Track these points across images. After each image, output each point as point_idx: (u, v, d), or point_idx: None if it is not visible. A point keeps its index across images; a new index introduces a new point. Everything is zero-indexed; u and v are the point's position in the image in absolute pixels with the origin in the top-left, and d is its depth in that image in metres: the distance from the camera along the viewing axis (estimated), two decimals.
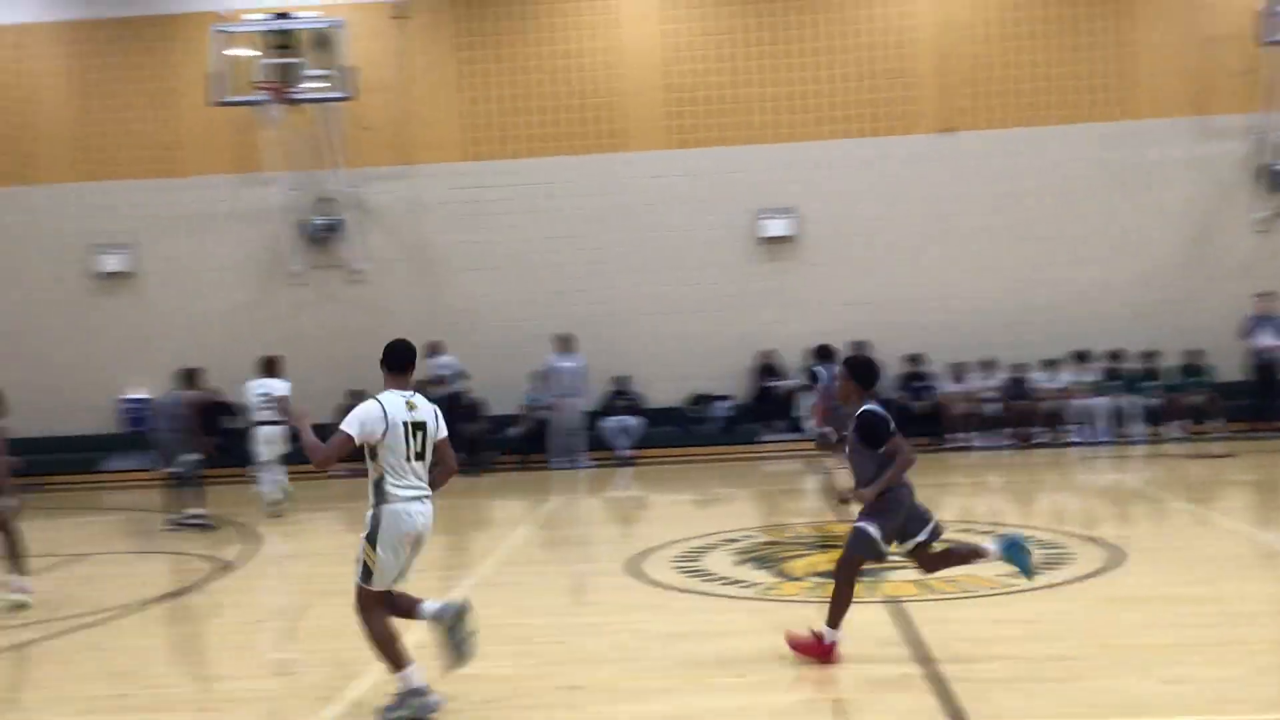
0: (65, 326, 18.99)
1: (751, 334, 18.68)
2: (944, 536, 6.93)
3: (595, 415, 17.97)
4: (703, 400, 18.70)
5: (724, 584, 9.00)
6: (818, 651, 6.75)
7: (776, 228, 18.77)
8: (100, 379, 18.56)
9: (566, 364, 17.56)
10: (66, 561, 11.63)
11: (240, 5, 18.50)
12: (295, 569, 11.24)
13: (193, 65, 18.66)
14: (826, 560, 9.74)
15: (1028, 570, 6.91)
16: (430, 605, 6.22)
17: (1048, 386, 17.90)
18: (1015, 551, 6.83)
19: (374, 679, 6.93)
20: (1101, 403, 17.55)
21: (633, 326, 18.79)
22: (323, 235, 18.78)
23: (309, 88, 17.83)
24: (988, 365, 18.12)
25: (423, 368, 18.03)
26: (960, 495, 14.07)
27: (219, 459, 17.72)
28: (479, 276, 18.95)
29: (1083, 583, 8.60)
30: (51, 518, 14.70)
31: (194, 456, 13.55)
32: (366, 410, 6.13)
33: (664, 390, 18.61)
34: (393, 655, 6.07)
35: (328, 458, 5.92)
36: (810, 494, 14.77)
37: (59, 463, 16.65)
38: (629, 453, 17.65)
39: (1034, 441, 17.48)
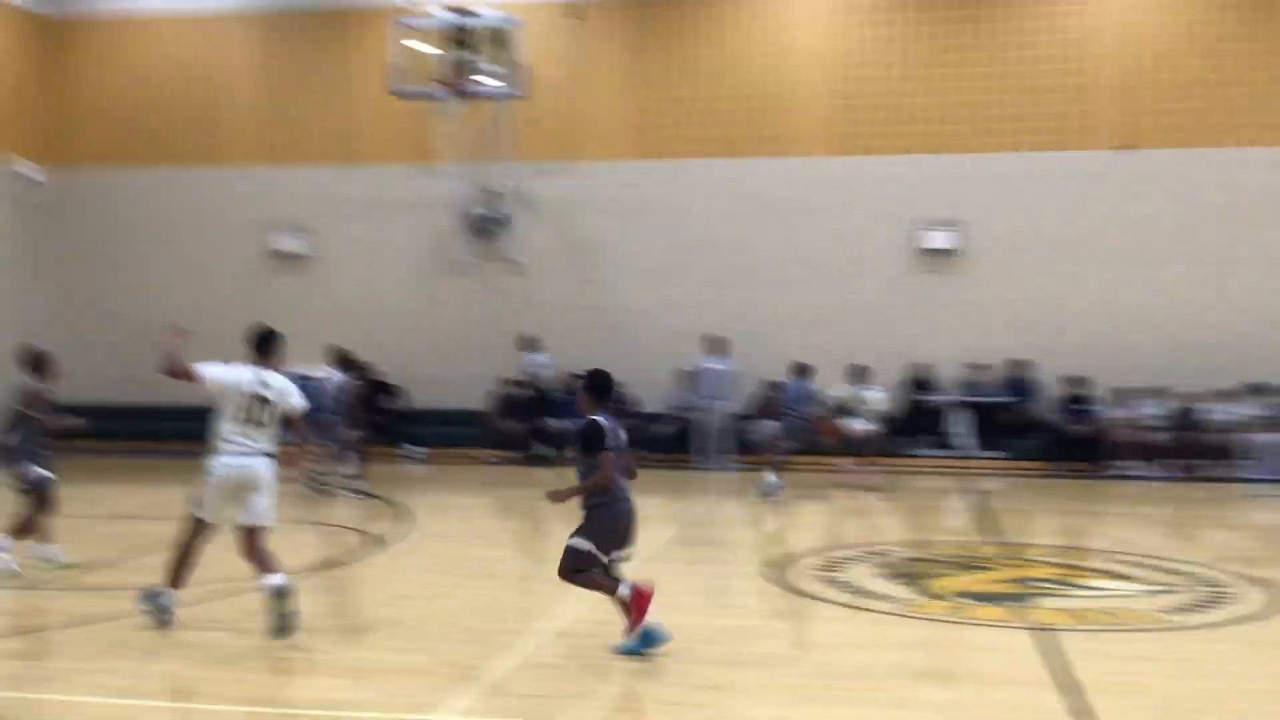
0: (242, 303, 19.89)
1: (904, 347, 18.41)
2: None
3: (745, 419, 17.95)
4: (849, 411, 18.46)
5: (865, 597, 8.92)
6: (642, 601, 7.13)
7: (938, 240, 18.44)
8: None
9: (716, 366, 17.60)
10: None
11: None
12: (442, 549, 11.56)
13: (373, 56, 19.35)
14: (973, 580, 9.56)
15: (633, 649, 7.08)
16: (272, 579, 7.44)
17: (1219, 418, 17.11)
18: (641, 645, 7.07)
19: (516, 660, 7.11)
20: (1275, 439, 16.70)
21: (783, 332, 18.71)
22: (487, 227, 19.24)
23: (482, 83, 18.29)
24: (1158, 393, 17.41)
25: (516, 361, 18.42)
26: (1116, 525, 13.59)
27: (376, 437, 18.46)
28: (634, 274, 19.15)
29: (1240, 625, 8.24)
30: None
31: (355, 434, 14.06)
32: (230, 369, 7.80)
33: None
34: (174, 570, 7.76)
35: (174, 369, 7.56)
36: (958, 512, 14.48)
37: None
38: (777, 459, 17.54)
39: (1200, 475, 16.74)
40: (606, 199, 19.21)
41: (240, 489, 7.57)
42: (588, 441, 7.14)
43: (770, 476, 14.55)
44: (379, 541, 11.34)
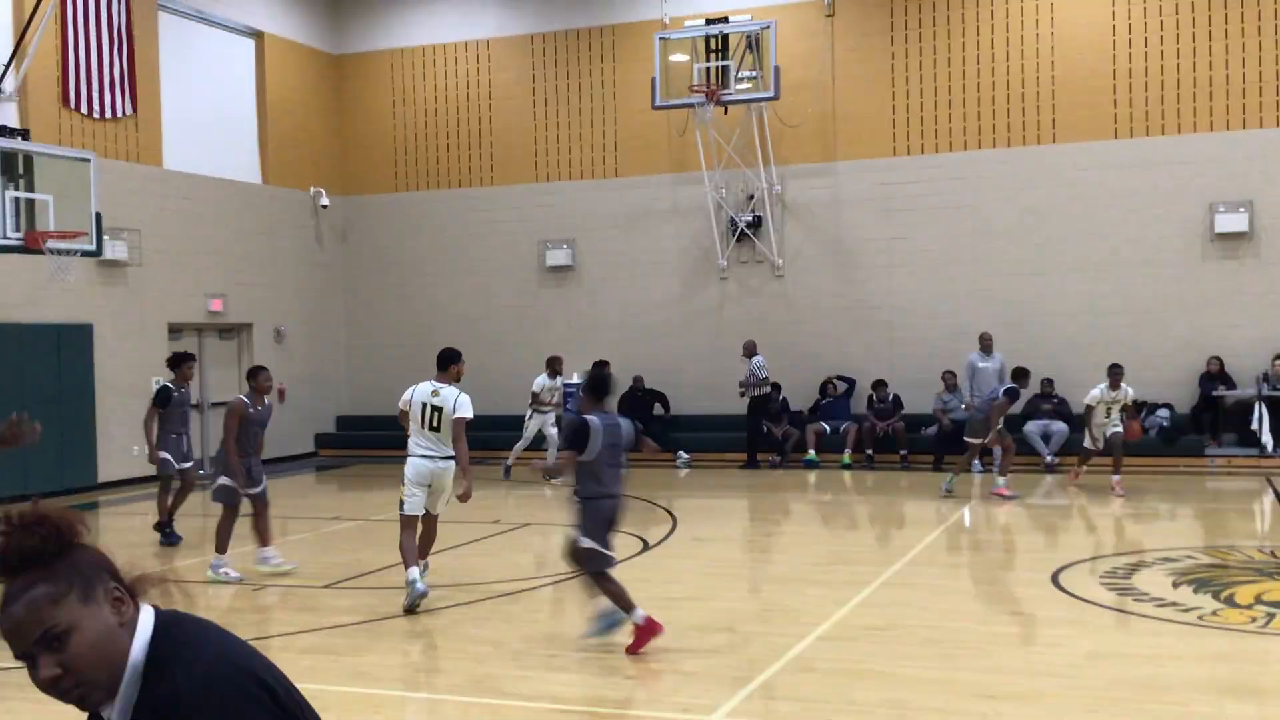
0: (516, 315, 20.80)
1: (1197, 338, 17.18)
2: None
3: (1017, 419, 17.23)
4: (1138, 408, 17.39)
5: (1157, 605, 8.36)
6: (646, 635, 7.27)
7: (1230, 223, 17.09)
8: (541, 364, 20.12)
9: (987, 364, 16.98)
10: (508, 530, 12.77)
11: (679, 12, 19.41)
12: (705, 551, 11.66)
13: (633, 71, 19.81)
14: (1278, 588, 8.80)
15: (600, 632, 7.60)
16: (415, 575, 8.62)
17: None
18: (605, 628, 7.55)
19: (783, 664, 7.08)
20: None
21: (1060, 327, 17.84)
22: (747, 231, 19.31)
23: (739, 89, 18.39)
24: None
25: (773, 366, 18.23)
26: None
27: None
28: (897, 273, 18.74)
29: None
30: (496, 489, 16.18)
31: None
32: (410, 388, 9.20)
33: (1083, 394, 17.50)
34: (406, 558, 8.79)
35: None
36: (1262, 514, 13.38)
37: (508, 439, 18.22)
38: (1051, 458, 16.78)
39: None
40: (866, 197, 18.90)
41: (424, 484, 8.93)
42: (569, 439, 7.54)
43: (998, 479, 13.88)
44: (644, 544, 11.55)
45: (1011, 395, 14.52)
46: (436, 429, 8.86)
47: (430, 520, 9.15)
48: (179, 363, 12.02)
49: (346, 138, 21.95)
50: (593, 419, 7.48)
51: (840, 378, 18.61)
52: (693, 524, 12.92)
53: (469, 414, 8.83)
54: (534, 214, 20.66)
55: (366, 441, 20.41)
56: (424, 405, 8.88)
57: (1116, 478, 14.23)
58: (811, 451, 17.80)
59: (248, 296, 19.64)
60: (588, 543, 7.43)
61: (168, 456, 11.93)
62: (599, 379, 7.77)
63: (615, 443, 7.56)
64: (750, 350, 18.17)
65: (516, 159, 20.87)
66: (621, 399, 19.21)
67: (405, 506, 8.93)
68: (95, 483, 16.63)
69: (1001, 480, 14.24)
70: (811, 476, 17.09)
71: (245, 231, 19.64)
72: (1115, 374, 14.50)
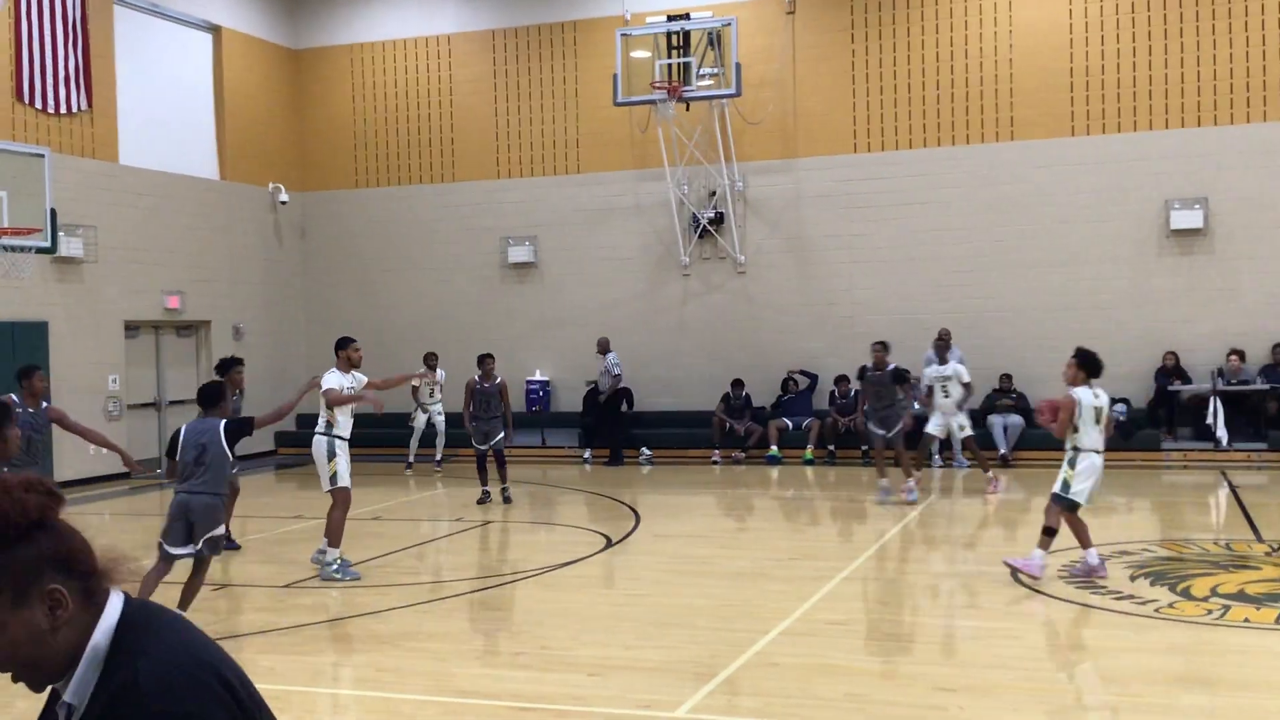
0: (478, 311, 20.72)
1: (1153, 333, 17.40)
2: None
3: (979, 414, 17.38)
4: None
5: (1115, 598, 8.47)
6: None
7: (1185, 219, 17.31)
8: (508, 362, 20.04)
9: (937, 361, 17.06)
10: (479, 527, 12.73)
11: (641, 8, 19.39)
12: (669, 548, 11.67)
13: (594, 68, 19.79)
14: (1235, 581, 8.93)
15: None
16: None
17: None
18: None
19: (747, 658, 7.10)
20: None
21: (1018, 323, 18.01)
22: (709, 228, 19.34)
23: (700, 85, 18.42)
24: None
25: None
26: None
27: (605, 441, 18.84)
28: (859, 269, 18.84)
29: None
30: (465, 487, 16.11)
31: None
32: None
33: (1048, 390, 17.64)
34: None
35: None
36: (1216, 508, 13.58)
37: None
38: (1007, 453, 16.95)
39: None
40: (827, 194, 18.98)
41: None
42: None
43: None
44: (608, 541, 11.55)
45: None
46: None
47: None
48: (228, 368, 11.36)
49: (305, 133, 21.77)
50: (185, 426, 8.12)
51: (803, 373, 18.69)
52: (656, 520, 12.93)
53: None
54: (495, 210, 20.59)
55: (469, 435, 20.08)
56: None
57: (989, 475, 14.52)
58: (774, 447, 17.87)
59: (206, 293, 19.44)
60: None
61: None
62: (207, 390, 8.32)
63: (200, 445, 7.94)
64: (604, 347, 18.44)
65: (478, 155, 20.79)
66: (586, 396, 19.21)
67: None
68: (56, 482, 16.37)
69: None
70: (774, 472, 17.15)
71: (203, 228, 19.43)
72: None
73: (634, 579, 10.29)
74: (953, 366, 14.72)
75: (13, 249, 12.28)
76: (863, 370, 14.21)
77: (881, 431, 13.78)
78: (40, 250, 12.83)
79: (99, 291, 17.39)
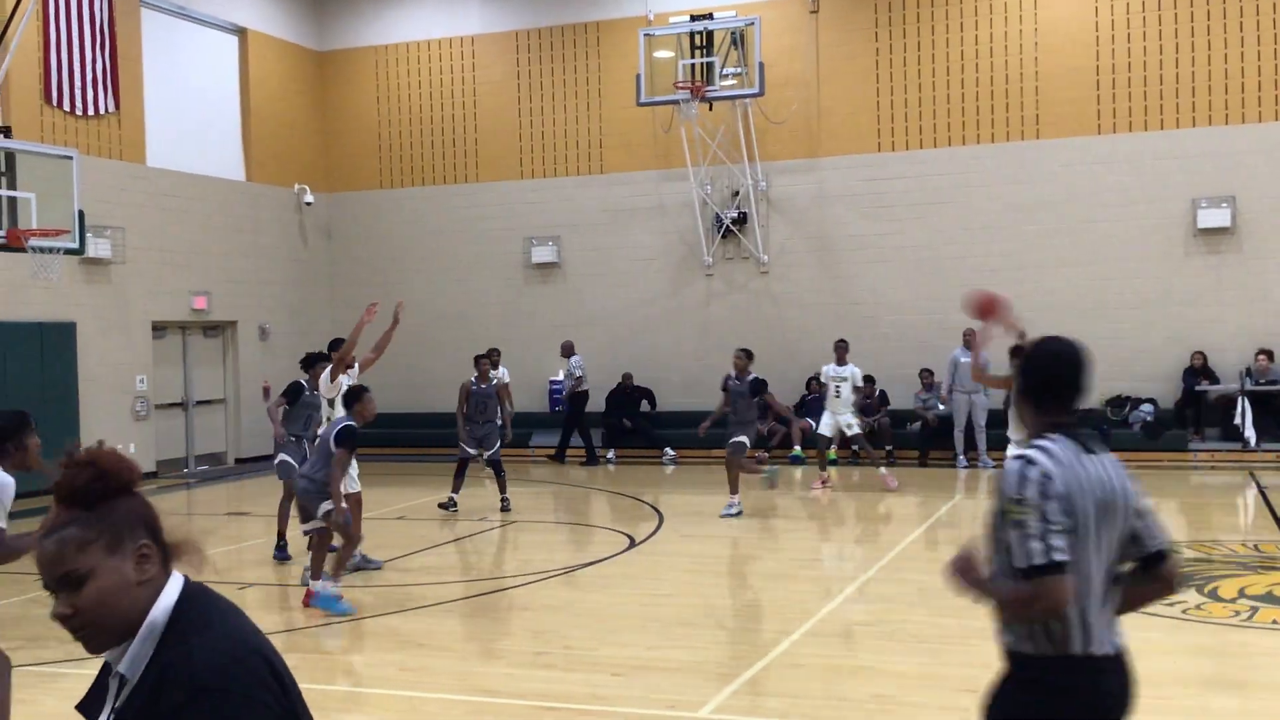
0: (501, 311, 20.77)
1: (1181, 333, 17.26)
2: None
3: (999, 412, 17.27)
4: (1122, 403, 17.49)
5: None
6: None
7: (1213, 218, 17.16)
8: (531, 362, 20.11)
9: (968, 359, 17.00)
10: (501, 527, 12.76)
11: (664, 8, 19.39)
12: (693, 548, 11.67)
13: (618, 68, 19.80)
14: (1263, 583, 8.86)
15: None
16: None
17: None
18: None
19: (771, 659, 7.09)
20: None
21: (1043, 323, 17.74)
22: (732, 228, 19.32)
23: (724, 85, 18.40)
24: None
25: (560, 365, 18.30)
26: None
27: (631, 438, 18.86)
28: (883, 269, 18.77)
29: None
30: (484, 486, 16.16)
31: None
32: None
33: None
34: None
35: None
36: (1244, 509, 13.46)
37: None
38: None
39: None
40: (851, 193, 18.93)
41: None
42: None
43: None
44: (631, 541, 11.55)
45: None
46: None
47: None
48: (312, 363, 11.17)
49: (330, 134, 21.87)
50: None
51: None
52: (679, 521, 12.93)
53: None
54: (519, 211, 20.63)
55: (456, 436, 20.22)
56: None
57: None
58: (797, 447, 17.82)
59: (232, 294, 19.56)
60: None
61: (288, 459, 10.79)
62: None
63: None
64: (568, 350, 18.59)
65: (501, 156, 20.84)
66: (610, 395, 19.23)
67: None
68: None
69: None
70: (797, 472, 17.12)
71: (229, 229, 19.56)
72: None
73: (657, 579, 10.29)
74: (850, 369, 15.33)
75: (42, 250, 12.39)
76: (725, 379, 13.74)
77: (743, 439, 13.25)
78: (69, 251, 12.95)
79: (127, 292, 17.53)
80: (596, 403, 19.69)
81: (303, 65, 21.49)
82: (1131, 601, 3.16)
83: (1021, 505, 2.96)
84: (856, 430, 15.42)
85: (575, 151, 20.42)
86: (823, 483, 15.15)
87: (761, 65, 18.13)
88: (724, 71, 18.46)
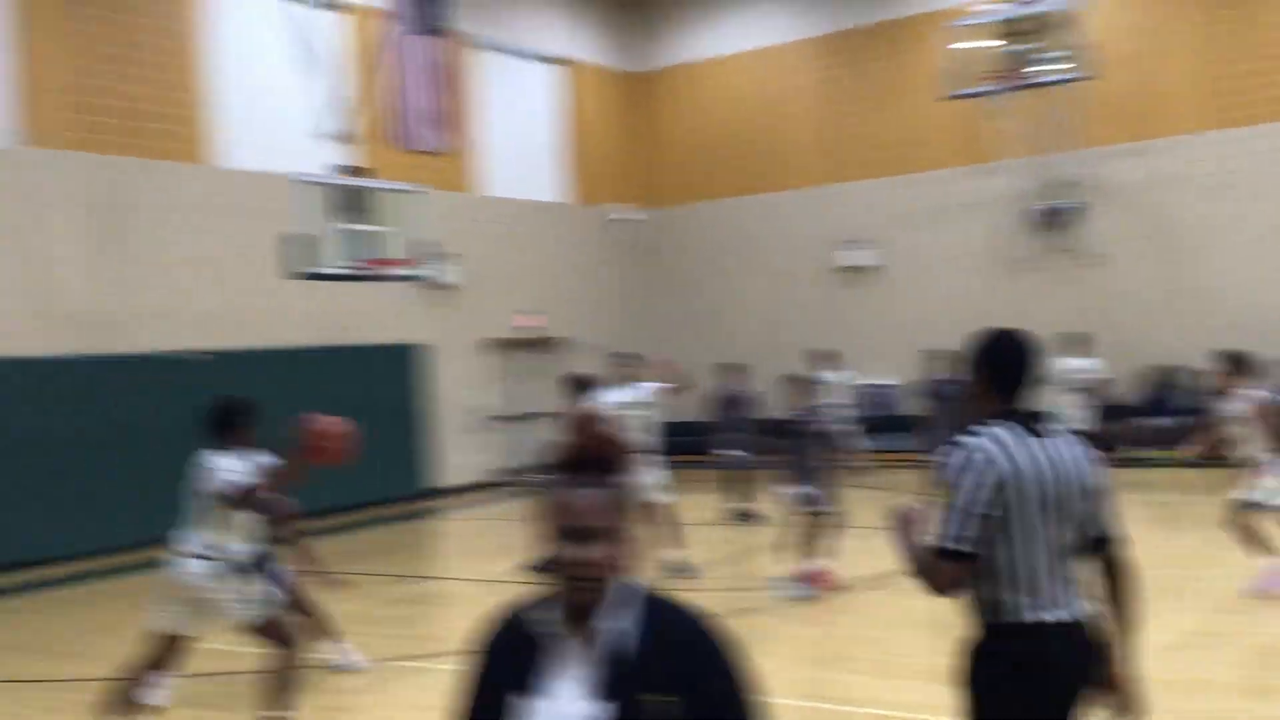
0: (811, 318, 20.83)
1: None
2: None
3: None
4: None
5: None
6: None
7: None
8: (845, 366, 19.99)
9: None
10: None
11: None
12: None
13: (926, 63, 19.41)
14: None
15: None
16: None
17: None
18: None
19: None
20: None
21: None
22: (1055, 219, 18.50)
23: (1042, 71, 17.68)
24: None
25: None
26: None
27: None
28: (1226, 254, 17.40)
29: None
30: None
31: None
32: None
33: None
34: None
35: None
36: None
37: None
38: None
39: None
40: (1188, 175, 17.68)
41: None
42: None
43: None
44: None
45: None
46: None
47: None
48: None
49: (648, 153, 22.70)
50: None
51: (1176, 369, 17.49)
52: None
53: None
54: (830, 215, 20.64)
55: (681, 447, 20.90)
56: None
57: None
58: (1143, 450, 16.82)
59: (563, 312, 20.69)
60: None
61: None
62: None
63: None
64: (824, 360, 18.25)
65: (811, 161, 20.92)
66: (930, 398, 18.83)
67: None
68: (432, 490, 18.00)
69: None
70: (1141, 475, 16.16)
71: (558, 250, 20.71)
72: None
73: None
74: (1093, 362, 14.80)
75: (398, 279, 13.58)
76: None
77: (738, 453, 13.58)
78: (417, 279, 14.11)
79: (469, 314, 18.94)
80: (910, 406, 19.36)
81: (621, 88, 22.45)
82: (1116, 604, 3.34)
83: (955, 489, 3.22)
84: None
85: (885, 152, 20.20)
86: None
87: (1082, 47, 17.28)
88: (1040, 57, 17.73)
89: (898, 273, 20.06)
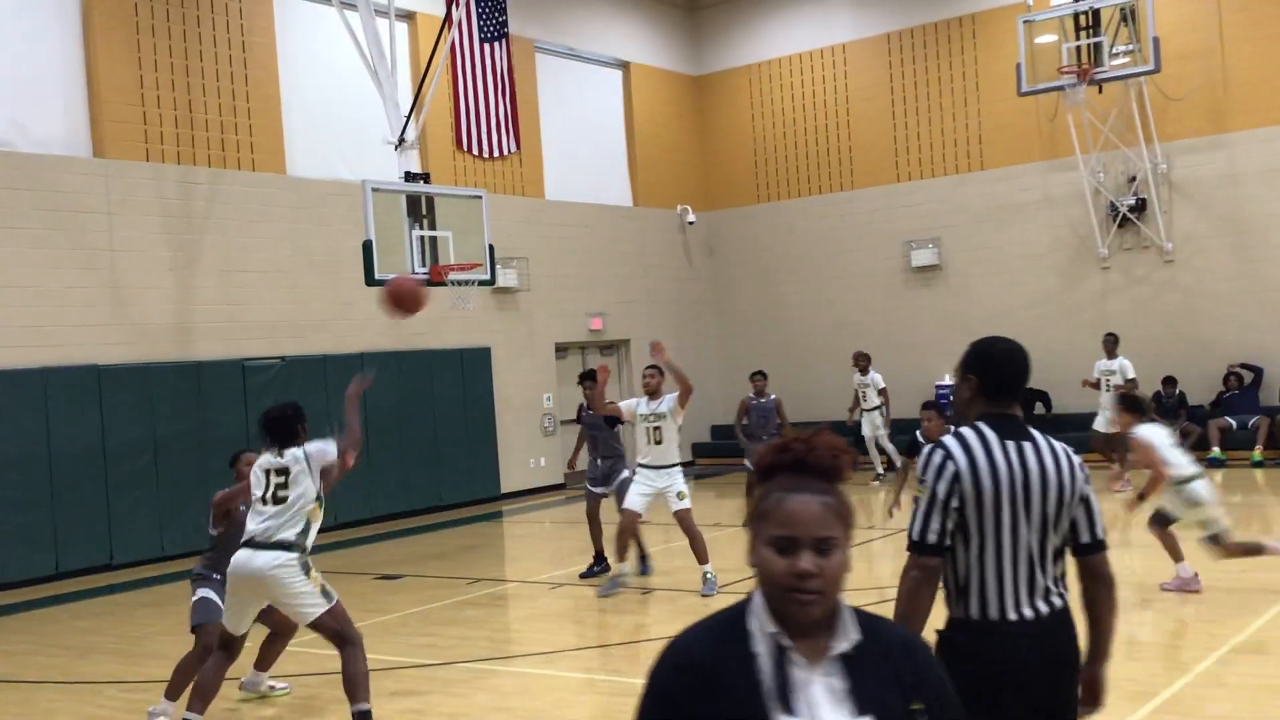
0: (882, 317, 20.58)
1: None
2: None
3: None
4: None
5: None
6: None
7: None
8: (914, 366, 19.77)
9: None
10: (885, 539, 12.66)
11: None
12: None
13: (995, 59, 19.13)
14: None
15: None
16: None
17: None
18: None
19: (1191, 678, 6.59)
20: None
21: None
22: (1130, 216, 18.11)
23: (1114, 65, 17.31)
24: None
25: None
26: None
27: None
28: None
29: None
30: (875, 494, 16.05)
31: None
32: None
33: None
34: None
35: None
36: None
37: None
38: None
39: None
40: (1269, 168, 17.21)
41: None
42: None
43: None
44: None
45: None
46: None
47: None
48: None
49: (709, 155, 22.60)
50: None
51: (1246, 366, 17.05)
52: None
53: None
54: (897, 214, 20.38)
55: (741, 450, 20.80)
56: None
57: None
58: (1216, 449, 16.42)
59: (624, 314, 20.65)
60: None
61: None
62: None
63: None
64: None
65: (877, 160, 20.68)
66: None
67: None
68: (498, 493, 18.03)
69: None
70: (1217, 476, 15.76)
71: (619, 252, 20.67)
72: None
73: None
74: (1119, 362, 15.05)
75: (459, 283, 13.63)
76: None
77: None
78: (482, 283, 14.14)
79: (532, 317, 18.95)
80: None
81: (681, 91, 22.36)
82: (1088, 609, 3.45)
83: (922, 485, 3.37)
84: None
85: (953, 149, 19.91)
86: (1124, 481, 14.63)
87: (1156, 40, 16.90)
88: (1114, 50, 17.37)
89: (967, 271, 19.75)
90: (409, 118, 13.59)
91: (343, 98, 16.15)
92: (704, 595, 9.74)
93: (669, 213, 21.82)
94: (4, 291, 12.85)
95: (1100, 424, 15.31)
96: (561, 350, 19.72)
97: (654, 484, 10.14)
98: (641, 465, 10.25)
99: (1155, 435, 8.77)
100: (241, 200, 15.11)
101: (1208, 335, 17.58)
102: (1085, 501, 3.43)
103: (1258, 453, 16.21)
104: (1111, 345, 15.42)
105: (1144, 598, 8.93)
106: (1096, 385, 15.74)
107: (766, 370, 17.05)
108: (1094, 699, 3.49)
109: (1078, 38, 17.49)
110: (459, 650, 8.56)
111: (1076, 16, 17.54)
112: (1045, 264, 19.04)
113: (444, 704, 7.21)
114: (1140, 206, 18.05)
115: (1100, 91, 17.78)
